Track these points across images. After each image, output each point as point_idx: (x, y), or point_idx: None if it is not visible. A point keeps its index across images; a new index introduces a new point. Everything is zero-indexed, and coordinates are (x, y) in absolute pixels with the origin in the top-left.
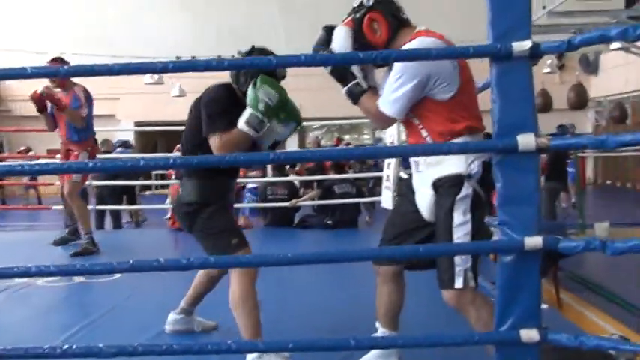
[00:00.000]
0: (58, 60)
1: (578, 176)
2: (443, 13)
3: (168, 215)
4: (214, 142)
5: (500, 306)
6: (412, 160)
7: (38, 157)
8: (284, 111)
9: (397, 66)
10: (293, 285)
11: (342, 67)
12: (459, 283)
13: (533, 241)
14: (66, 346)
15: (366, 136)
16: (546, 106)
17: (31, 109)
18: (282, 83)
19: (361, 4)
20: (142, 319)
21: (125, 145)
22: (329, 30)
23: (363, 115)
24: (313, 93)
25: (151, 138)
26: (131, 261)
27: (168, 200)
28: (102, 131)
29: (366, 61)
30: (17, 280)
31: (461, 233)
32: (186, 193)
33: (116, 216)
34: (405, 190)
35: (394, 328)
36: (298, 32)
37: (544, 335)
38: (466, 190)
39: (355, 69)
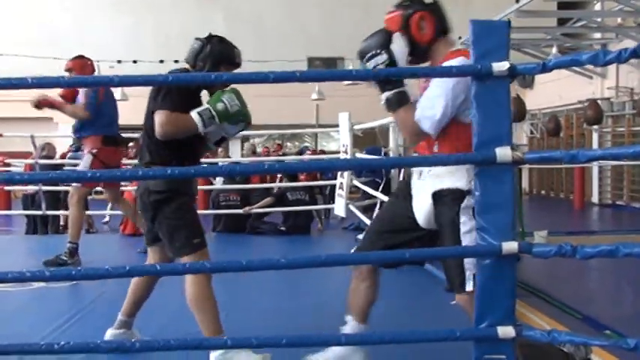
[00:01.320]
0: (80, 58)
1: (517, 187)
2: None
3: (106, 219)
4: (160, 116)
5: (479, 305)
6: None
7: None
8: (237, 117)
9: (437, 82)
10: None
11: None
12: (469, 287)
13: (510, 246)
14: (63, 342)
15: (306, 144)
16: None
17: None
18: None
19: (412, 1)
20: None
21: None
22: (387, 34)
23: (304, 124)
24: (260, 100)
25: None
26: (127, 267)
27: (109, 205)
28: (39, 137)
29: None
30: None
31: (469, 240)
32: (157, 181)
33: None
34: (402, 192)
35: (365, 321)
36: (242, 39)
37: (519, 331)
38: (467, 201)
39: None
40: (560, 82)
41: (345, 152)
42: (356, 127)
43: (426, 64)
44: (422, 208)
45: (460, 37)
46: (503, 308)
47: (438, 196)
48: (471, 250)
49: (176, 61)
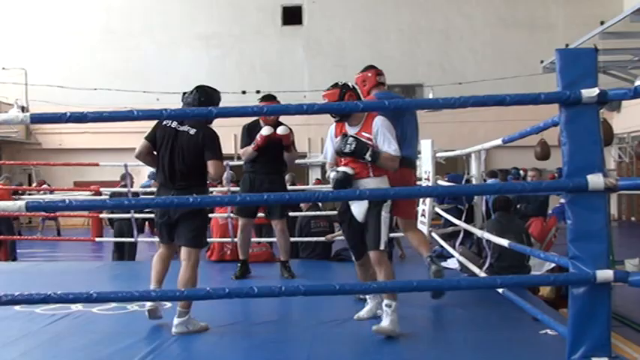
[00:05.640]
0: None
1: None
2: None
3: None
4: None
5: (572, 335)
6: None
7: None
8: None
9: (383, 126)
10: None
11: (363, 146)
12: (382, 246)
13: (605, 274)
14: None
15: None
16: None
17: (58, 142)
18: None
19: (345, 85)
20: (201, 347)
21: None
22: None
23: None
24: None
25: None
26: (227, 289)
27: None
28: (132, 166)
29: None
30: (73, 307)
31: (386, 225)
32: None
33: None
34: (342, 209)
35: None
36: (322, 68)
37: None
38: (386, 202)
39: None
40: None
41: (428, 179)
42: (439, 154)
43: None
44: (362, 210)
45: (542, 62)
46: (598, 338)
47: (371, 202)
48: (563, 279)
49: (258, 92)
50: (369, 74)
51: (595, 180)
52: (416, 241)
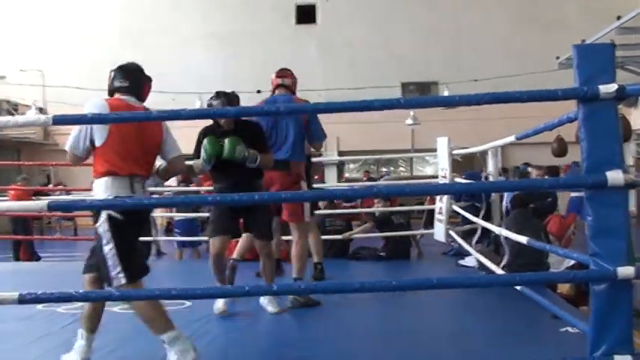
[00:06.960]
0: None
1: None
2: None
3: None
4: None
5: (593, 332)
6: None
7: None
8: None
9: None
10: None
11: None
12: (115, 281)
13: (626, 270)
14: None
15: (401, 169)
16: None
17: None
18: None
19: None
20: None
21: None
22: None
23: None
24: (355, 126)
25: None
26: (246, 287)
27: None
28: None
29: None
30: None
31: (105, 243)
32: None
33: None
34: None
35: None
36: (336, 67)
37: None
38: (104, 214)
39: None
40: None
41: (444, 177)
42: (455, 151)
43: None
44: None
45: (558, 58)
46: (620, 335)
47: None
48: (584, 276)
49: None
50: (273, 77)
51: (614, 176)
52: (311, 247)
